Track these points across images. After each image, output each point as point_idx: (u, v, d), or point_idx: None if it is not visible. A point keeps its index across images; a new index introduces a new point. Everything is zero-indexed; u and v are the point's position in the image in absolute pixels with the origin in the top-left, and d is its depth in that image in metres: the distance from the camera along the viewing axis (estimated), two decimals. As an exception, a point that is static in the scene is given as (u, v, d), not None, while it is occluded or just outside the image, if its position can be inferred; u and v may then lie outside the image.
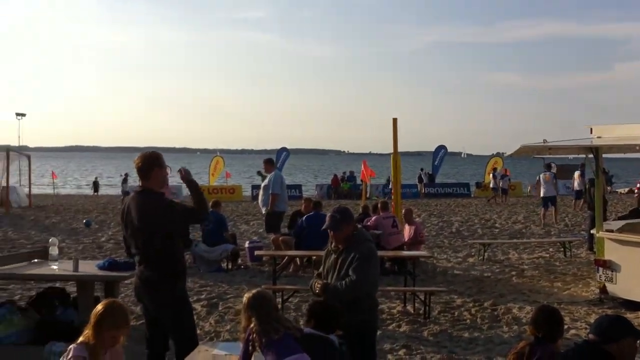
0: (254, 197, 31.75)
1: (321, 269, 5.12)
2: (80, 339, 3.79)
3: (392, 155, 13.83)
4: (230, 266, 12.07)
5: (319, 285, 4.83)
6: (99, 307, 3.82)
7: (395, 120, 13.61)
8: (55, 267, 6.93)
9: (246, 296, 4.06)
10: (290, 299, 9.12)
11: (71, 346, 3.78)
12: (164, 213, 4.90)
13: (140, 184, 5.05)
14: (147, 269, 4.94)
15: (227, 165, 40.76)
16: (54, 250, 7.14)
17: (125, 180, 33.89)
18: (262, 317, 3.88)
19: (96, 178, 47.27)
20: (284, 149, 40.36)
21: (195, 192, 5.04)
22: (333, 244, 5.00)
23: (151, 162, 5.00)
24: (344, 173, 41.67)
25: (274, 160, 14.46)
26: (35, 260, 7.28)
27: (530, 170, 70.58)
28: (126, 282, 7.52)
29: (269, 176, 12.84)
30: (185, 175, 5.08)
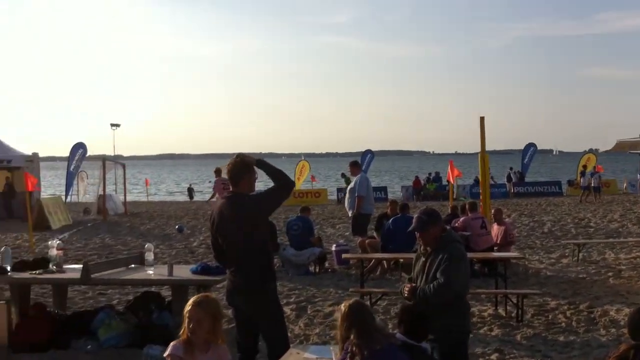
0: (340, 200, 31.87)
1: (412, 273, 5.07)
2: (181, 337, 3.92)
3: (479, 155, 13.57)
4: (317, 269, 12.17)
5: (407, 289, 4.80)
6: (189, 302, 3.95)
7: (482, 119, 13.35)
8: (151, 272, 7.17)
9: (343, 306, 3.99)
10: (378, 302, 9.10)
11: (171, 344, 3.92)
12: (255, 213, 4.99)
13: (231, 189, 5.17)
14: (241, 273, 5.03)
15: (312, 169, 41.10)
16: (149, 256, 7.39)
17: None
18: (362, 329, 3.81)
19: (190, 185, 48.67)
20: (368, 151, 40.33)
21: (269, 168, 5.08)
22: (422, 247, 4.95)
23: (241, 167, 5.11)
24: (429, 174, 41.22)
25: (359, 162, 14.48)
26: (132, 265, 7.55)
27: (625, 166, 67.68)
28: (217, 286, 7.71)
29: (354, 179, 12.87)
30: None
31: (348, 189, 13.04)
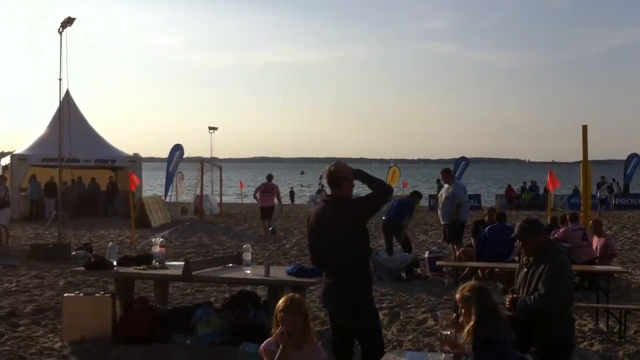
0: (431, 207, 31.52)
1: (515, 284, 4.97)
2: (274, 335, 4.03)
3: (581, 164, 13.09)
4: (409, 276, 12.08)
5: (508, 300, 4.70)
6: (279, 301, 4.06)
7: (585, 128, 12.86)
8: (248, 271, 7.34)
9: (467, 284, 3.92)
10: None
11: (266, 340, 4.03)
12: (352, 218, 5.03)
13: (330, 193, 5.24)
14: (337, 275, 5.08)
15: (403, 175, 40.82)
16: (247, 256, 7.56)
17: (319, 191, 35.56)
18: (483, 307, 3.71)
19: (292, 188, 49.39)
20: (463, 159, 39.70)
21: (367, 177, 5.13)
22: (524, 257, 4.84)
23: (340, 173, 5.16)
24: (524, 183, 40.12)
25: (451, 170, 14.35)
26: (230, 264, 7.75)
27: None
28: (310, 287, 7.80)
29: (446, 186, 12.76)
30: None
31: (443, 196, 12.91)
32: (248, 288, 8.58)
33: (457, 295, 3.91)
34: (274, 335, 4.04)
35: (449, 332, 3.93)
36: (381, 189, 5.12)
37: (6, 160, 26.58)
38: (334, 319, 5.26)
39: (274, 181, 19.72)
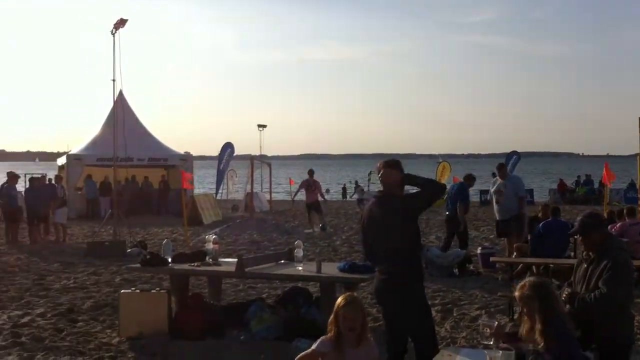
0: (482, 202, 31.11)
1: (572, 278, 4.87)
2: (329, 334, 4.03)
3: (638, 157, 12.76)
4: (462, 272, 11.95)
5: (566, 294, 4.60)
6: (338, 300, 4.05)
7: (641, 119, 12.56)
8: (300, 268, 7.38)
9: (527, 281, 3.84)
10: (527, 308, 8.79)
11: (320, 339, 4.04)
12: (404, 214, 5.02)
13: (382, 189, 5.24)
14: (390, 272, 5.07)
15: (454, 170, 40.35)
16: (298, 253, 7.60)
17: (360, 189, 35.52)
18: (546, 304, 3.63)
19: (344, 184, 49.36)
20: (514, 153, 39.05)
21: (417, 180, 5.11)
22: (584, 253, 4.73)
23: (390, 169, 5.15)
24: (578, 177, 39.24)
25: (505, 164, 14.15)
26: (282, 261, 7.81)
27: None
28: (361, 284, 7.78)
29: (499, 181, 12.57)
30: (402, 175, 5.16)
31: (497, 191, 12.64)
32: (300, 284, 8.63)
33: (517, 294, 3.82)
34: (330, 333, 4.05)
35: (491, 343, 3.86)
36: (433, 186, 5.17)
37: (62, 160, 27.27)
38: (387, 315, 5.24)
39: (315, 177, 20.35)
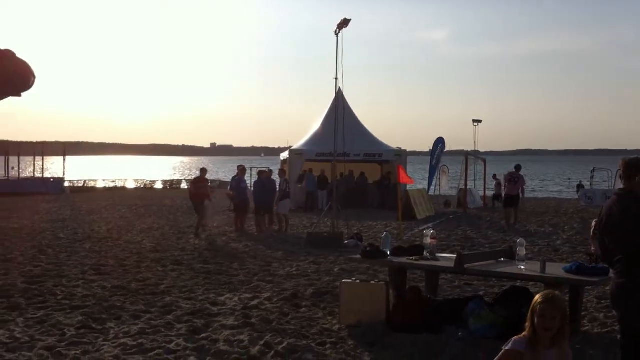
0: None
1: None
2: (524, 333, 3.86)
3: None
4: None
5: None
6: (536, 297, 3.87)
7: None
8: (522, 267, 7.14)
9: None
10: None
11: (513, 338, 3.87)
12: None
13: (623, 186, 4.93)
14: (628, 275, 4.73)
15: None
16: (521, 251, 7.35)
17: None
18: None
19: (580, 182, 47.05)
20: None
21: None
22: None
23: (634, 166, 4.83)
24: None
25: None
26: (502, 259, 7.61)
27: None
28: (587, 287, 7.34)
29: None
30: None
31: None
32: (518, 283, 8.36)
33: None
34: (525, 331, 3.87)
35: None
36: None
37: (285, 155, 28.93)
38: (624, 321, 4.89)
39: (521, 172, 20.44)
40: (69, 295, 9.25)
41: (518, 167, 20.41)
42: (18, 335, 7.08)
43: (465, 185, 27.24)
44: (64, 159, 41.62)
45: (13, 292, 9.43)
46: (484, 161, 31.29)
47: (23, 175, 41.02)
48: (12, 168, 39.45)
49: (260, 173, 19.71)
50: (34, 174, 40.95)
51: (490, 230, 18.99)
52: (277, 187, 18.82)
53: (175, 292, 9.60)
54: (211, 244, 15.49)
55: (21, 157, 40.98)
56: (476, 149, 35.18)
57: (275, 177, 21.33)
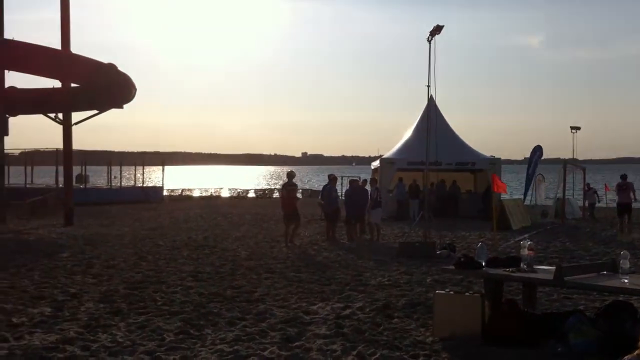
0: None
1: None
2: (636, 351, 3.68)
3: None
4: None
5: None
6: None
7: None
8: (626, 280, 6.82)
9: None
10: None
11: (625, 357, 3.69)
12: None
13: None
14: None
15: None
16: (625, 264, 7.02)
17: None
18: None
19: None
20: None
21: None
22: None
23: None
24: None
25: None
26: (604, 272, 7.30)
27: None
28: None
29: None
30: None
31: None
32: (621, 298, 7.99)
33: None
34: (638, 350, 3.68)
35: None
36: None
37: (376, 164, 28.90)
38: None
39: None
40: (168, 301, 9.57)
41: (624, 177, 21.30)
42: (120, 340, 7.38)
43: (564, 194, 26.32)
44: (163, 169, 43.17)
45: (116, 297, 9.86)
46: (583, 170, 30.16)
47: (125, 184, 42.83)
48: (115, 177, 41.26)
49: (351, 182, 19.76)
50: (134, 183, 42.69)
51: (591, 242, 18.27)
52: (369, 195, 18.82)
53: (269, 299, 9.75)
54: (303, 253, 15.65)
55: (123, 167, 42.91)
56: (574, 156, 34.00)
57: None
